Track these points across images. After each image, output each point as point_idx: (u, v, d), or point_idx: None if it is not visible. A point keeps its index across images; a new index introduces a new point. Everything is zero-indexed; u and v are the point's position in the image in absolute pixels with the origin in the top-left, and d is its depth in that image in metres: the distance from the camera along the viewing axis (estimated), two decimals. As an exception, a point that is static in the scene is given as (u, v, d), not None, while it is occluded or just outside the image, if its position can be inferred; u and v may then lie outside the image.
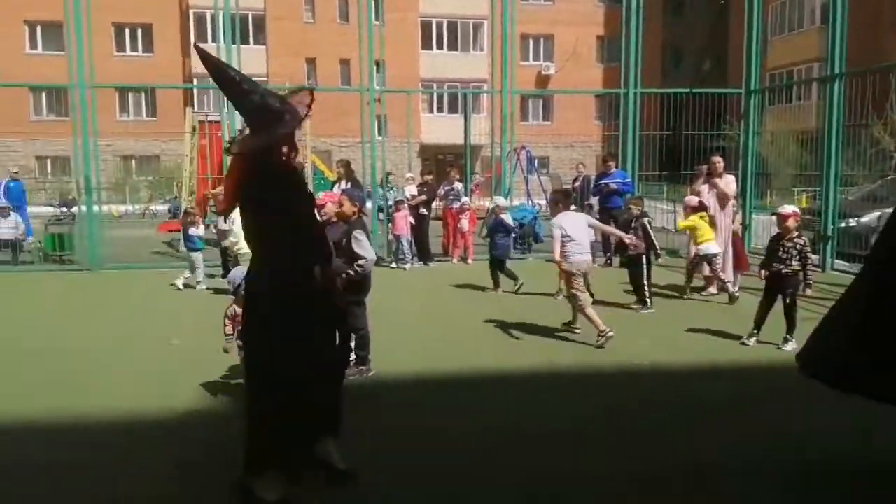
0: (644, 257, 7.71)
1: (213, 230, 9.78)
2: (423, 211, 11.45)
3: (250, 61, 28.08)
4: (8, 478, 3.66)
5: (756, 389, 5.16)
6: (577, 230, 6.46)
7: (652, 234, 7.79)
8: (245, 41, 31.73)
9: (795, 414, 4.55)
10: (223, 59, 11.08)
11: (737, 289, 8.60)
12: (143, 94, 32.73)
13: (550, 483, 3.59)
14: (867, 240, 10.76)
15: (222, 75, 3.21)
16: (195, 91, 30.34)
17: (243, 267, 6.31)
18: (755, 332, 6.27)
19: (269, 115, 3.09)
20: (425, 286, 9.61)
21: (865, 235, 10.81)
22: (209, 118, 15.15)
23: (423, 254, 11.33)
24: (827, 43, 10.44)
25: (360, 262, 4.96)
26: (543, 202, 16.05)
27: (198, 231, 9.32)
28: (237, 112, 3.25)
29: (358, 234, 5.05)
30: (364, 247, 5.01)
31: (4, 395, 4.86)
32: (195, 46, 3.39)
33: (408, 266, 10.87)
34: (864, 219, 11.01)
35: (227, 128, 11.57)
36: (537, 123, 33.11)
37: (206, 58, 3.21)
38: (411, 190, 11.67)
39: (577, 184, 15.05)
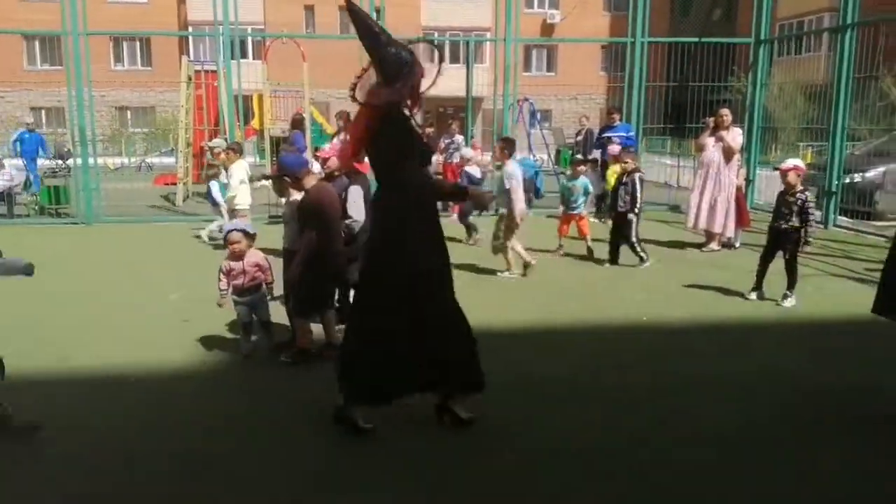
0: (630, 214, 7.56)
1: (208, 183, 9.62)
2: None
3: (247, 8, 27.42)
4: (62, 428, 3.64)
5: (751, 342, 5.15)
6: (521, 179, 6.92)
7: (639, 190, 7.53)
8: (241, -13, 31.06)
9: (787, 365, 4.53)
10: (219, 6, 10.89)
11: (738, 244, 8.56)
12: (137, 43, 32.11)
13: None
14: (871, 196, 10.64)
15: (365, 25, 3.39)
16: (191, 39, 29.75)
17: (241, 220, 6.27)
18: (757, 287, 6.21)
19: (403, 68, 3.30)
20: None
21: (870, 191, 10.68)
22: (205, 67, 14.85)
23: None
24: (840, -9, 10.11)
25: (347, 220, 4.87)
26: (545, 156, 15.88)
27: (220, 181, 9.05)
28: (374, 59, 3.34)
29: (354, 191, 4.94)
30: (355, 206, 4.91)
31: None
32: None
33: None
34: (870, 174, 10.86)
35: (223, 77, 11.33)
36: (541, 74, 32.51)
37: (353, 9, 3.40)
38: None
39: (579, 137, 14.81)
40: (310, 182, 4.57)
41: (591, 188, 8.38)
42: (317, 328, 4.78)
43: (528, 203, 12.05)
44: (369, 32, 3.36)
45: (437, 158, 11.48)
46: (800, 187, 5.93)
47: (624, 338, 5.33)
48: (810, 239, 5.93)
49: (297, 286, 4.56)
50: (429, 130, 11.68)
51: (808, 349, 5.03)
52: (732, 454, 3.44)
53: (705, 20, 18.63)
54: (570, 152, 17.86)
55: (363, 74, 3.41)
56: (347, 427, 3.55)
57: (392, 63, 3.30)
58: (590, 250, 7.99)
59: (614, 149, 9.59)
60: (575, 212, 8.21)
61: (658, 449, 3.48)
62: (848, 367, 4.66)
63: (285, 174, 4.68)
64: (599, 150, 11.49)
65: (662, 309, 5.99)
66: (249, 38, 27.87)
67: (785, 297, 6.03)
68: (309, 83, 13.72)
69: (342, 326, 5.00)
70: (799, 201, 5.87)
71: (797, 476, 3.24)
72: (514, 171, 6.94)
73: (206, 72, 14.46)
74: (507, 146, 7.16)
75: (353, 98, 3.35)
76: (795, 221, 5.87)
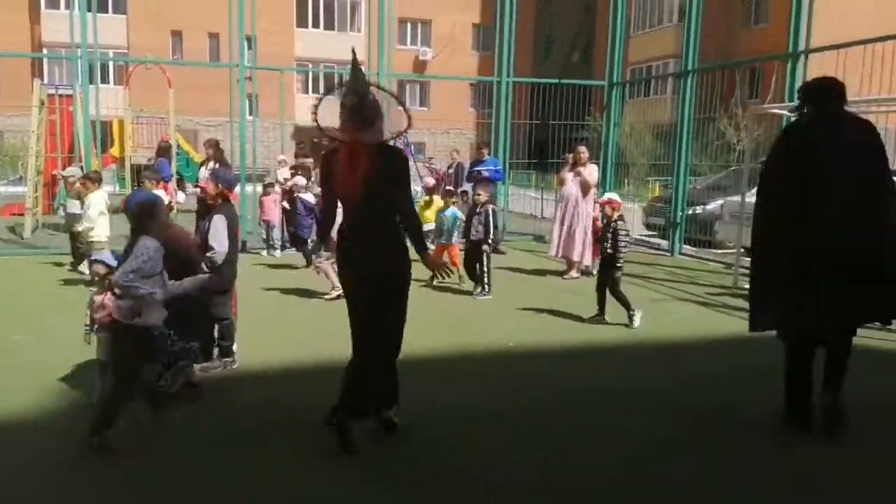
0: (483, 244, 7.85)
1: (62, 214, 9.05)
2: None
3: (108, 32, 26.11)
4: None
5: (615, 362, 5.54)
6: None
7: (492, 222, 7.93)
8: (103, 9, 29.50)
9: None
10: (76, 28, 10.33)
11: (595, 271, 9.16)
12: (-18, 62, 29.58)
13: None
14: (711, 226, 11.73)
15: (366, 81, 3.77)
16: (45, 62, 27.85)
17: (108, 251, 5.86)
18: (599, 313, 6.69)
19: (378, 112, 3.66)
20: (293, 273, 9.41)
21: (710, 222, 11.77)
22: (60, 91, 13.99)
23: (298, 240, 11.13)
24: (682, 40, 11.20)
25: (209, 253, 4.73)
26: (419, 188, 16.18)
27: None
28: (362, 105, 3.62)
29: (217, 220, 4.85)
30: (217, 236, 4.77)
31: None
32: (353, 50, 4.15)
33: (278, 253, 10.61)
34: (710, 206, 11.97)
35: (79, 102, 10.73)
36: (414, 109, 33.01)
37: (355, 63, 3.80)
38: (284, 173, 11.31)
39: (451, 170, 15.26)
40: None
41: (460, 218, 8.67)
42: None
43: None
44: (361, 76, 3.77)
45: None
46: (616, 216, 6.49)
47: (499, 363, 5.55)
48: (619, 262, 6.43)
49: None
50: (307, 161, 11.57)
51: (663, 368, 5.47)
52: (632, 467, 3.71)
53: (564, 63, 19.88)
54: (443, 184, 18.36)
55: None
56: (343, 439, 3.67)
57: (373, 107, 3.65)
58: (460, 278, 8.25)
59: (429, 182, 11.06)
60: (447, 241, 8.51)
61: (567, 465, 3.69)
62: (702, 384, 5.11)
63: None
64: (471, 184, 11.91)
65: (530, 335, 6.28)
66: (111, 63, 26.55)
67: (631, 318, 6.50)
68: (175, 110, 13.26)
69: (207, 364, 4.91)
70: (612, 227, 6.44)
71: (690, 478, 3.54)
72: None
73: (61, 96, 13.60)
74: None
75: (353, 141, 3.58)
76: (611, 248, 6.43)
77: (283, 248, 10.69)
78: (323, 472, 3.56)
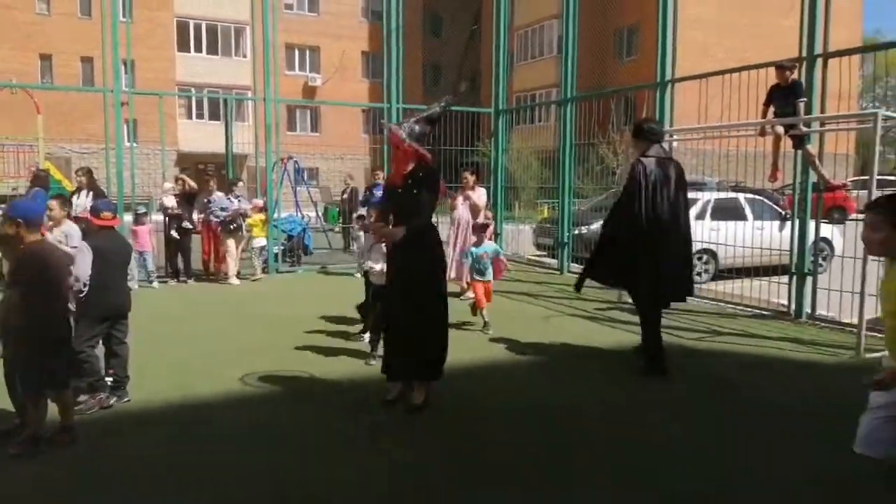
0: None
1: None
2: (187, 224, 10.73)
3: (-35, 52, 24.26)
4: None
5: (516, 376, 5.65)
6: None
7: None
8: (-42, 29, 27.42)
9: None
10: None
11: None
12: None
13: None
14: (594, 244, 12.28)
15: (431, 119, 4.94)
16: None
17: None
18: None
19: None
20: (177, 303, 9.01)
21: (593, 241, 12.31)
22: None
23: (185, 271, 10.74)
24: (561, 70, 11.77)
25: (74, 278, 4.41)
26: (313, 214, 15.99)
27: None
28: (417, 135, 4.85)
29: (83, 246, 4.61)
30: (79, 264, 4.49)
31: None
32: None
33: (156, 285, 10.16)
34: (593, 226, 12.51)
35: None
36: (305, 134, 32.86)
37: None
38: (169, 201, 10.83)
39: (345, 195, 15.17)
40: (32, 237, 4.00)
41: (501, 251, 8.14)
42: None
43: (298, 260, 12.16)
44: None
45: (196, 217, 11.01)
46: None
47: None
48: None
49: (26, 363, 3.96)
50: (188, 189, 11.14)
51: (565, 379, 5.65)
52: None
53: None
54: (337, 210, 18.21)
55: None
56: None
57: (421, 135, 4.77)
58: (485, 325, 7.54)
59: (257, 203, 11.36)
60: (485, 278, 7.59)
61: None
62: (595, 390, 5.31)
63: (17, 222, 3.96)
64: (365, 208, 11.89)
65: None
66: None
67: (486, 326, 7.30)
68: (44, 137, 12.44)
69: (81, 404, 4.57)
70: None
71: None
72: None
73: None
74: None
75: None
76: None
77: (159, 279, 10.42)
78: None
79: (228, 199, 10.82)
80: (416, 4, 33.31)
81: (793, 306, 8.02)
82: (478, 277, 7.55)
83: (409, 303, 4.77)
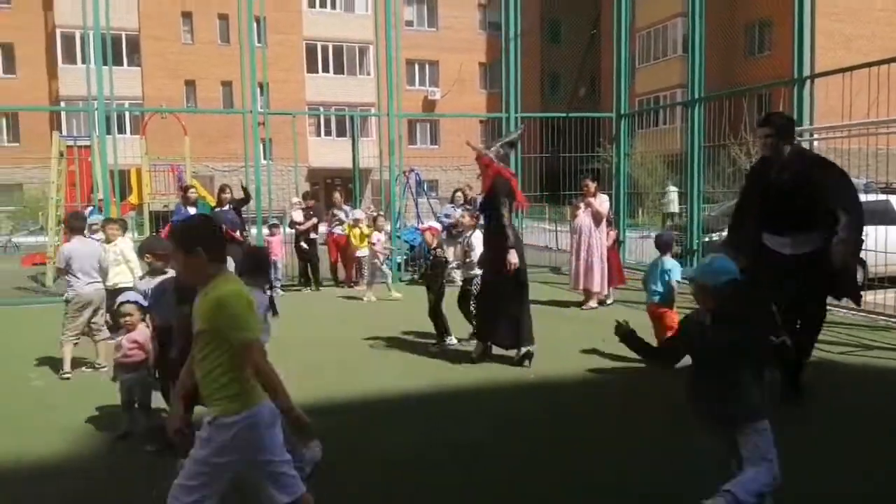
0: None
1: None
2: (313, 235, 11.35)
3: (123, 83, 26.83)
4: None
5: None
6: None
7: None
8: (118, 62, 30.33)
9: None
10: (93, 81, 10.65)
11: (611, 300, 9.15)
12: (3, 118, 30.51)
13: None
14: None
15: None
16: (63, 114, 28.57)
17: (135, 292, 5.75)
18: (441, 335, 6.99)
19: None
20: (312, 311, 9.45)
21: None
22: (77, 143, 14.33)
23: (314, 279, 11.30)
24: (687, 70, 11.32)
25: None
26: (436, 224, 16.29)
27: None
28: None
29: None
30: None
31: None
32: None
33: (280, 291, 10.78)
34: (725, 233, 11.93)
35: (97, 152, 10.99)
36: (425, 147, 33.61)
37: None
38: (298, 216, 11.48)
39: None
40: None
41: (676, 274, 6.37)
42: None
43: (418, 270, 12.45)
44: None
45: (323, 229, 11.58)
46: (434, 243, 6.90)
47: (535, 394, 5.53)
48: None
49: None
50: (311, 202, 11.77)
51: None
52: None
53: (572, 97, 20.11)
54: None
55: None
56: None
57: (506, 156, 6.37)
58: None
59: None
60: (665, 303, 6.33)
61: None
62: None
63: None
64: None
65: (552, 365, 6.26)
66: (127, 113, 27.19)
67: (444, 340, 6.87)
68: (191, 156, 13.53)
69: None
70: (433, 255, 6.84)
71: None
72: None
73: (79, 147, 13.93)
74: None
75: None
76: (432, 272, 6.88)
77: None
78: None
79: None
80: (535, 12, 33.25)
81: None
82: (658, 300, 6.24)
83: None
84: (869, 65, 7.83)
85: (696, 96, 11.04)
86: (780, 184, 4.70)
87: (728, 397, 3.05)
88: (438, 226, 7.27)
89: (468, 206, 8.97)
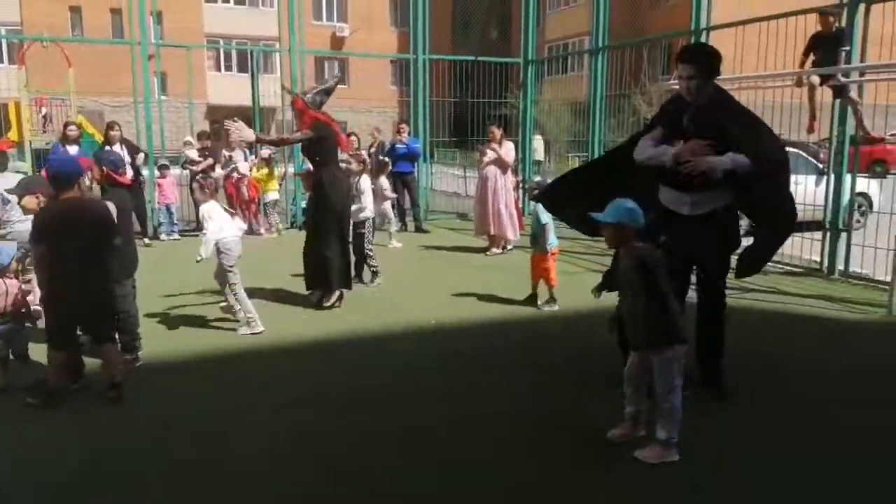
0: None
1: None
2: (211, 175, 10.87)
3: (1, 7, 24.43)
4: None
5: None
6: None
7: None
8: (-9, -17, 27.53)
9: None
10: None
11: (511, 247, 9.34)
12: None
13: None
14: (626, 199, 12.08)
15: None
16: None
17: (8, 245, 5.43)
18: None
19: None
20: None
21: (625, 195, 12.11)
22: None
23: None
24: (591, 18, 11.40)
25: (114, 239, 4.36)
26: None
27: None
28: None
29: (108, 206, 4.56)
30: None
31: None
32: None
33: (176, 236, 10.43)
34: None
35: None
36: (334, 86, 32.61)
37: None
38: (193, 154, 10.92)
39: (372, 149, 15.10)
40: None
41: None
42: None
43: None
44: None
45: (219, 171, 11.09)
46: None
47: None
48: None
49: (45, 312, 4.12)
50: (208, 143, 11.27)
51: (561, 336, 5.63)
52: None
53: (483, 40, 19.94)
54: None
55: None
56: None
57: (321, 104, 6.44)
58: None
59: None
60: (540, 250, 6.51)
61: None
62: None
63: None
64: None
65: (452, 311, 6.35)
66: (3, 41, 24.84)
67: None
68: (76, 90, 12.56)
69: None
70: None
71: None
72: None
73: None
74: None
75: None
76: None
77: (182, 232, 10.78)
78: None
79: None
80: (446, -51, 32.43)
81: (825, 263, 7.84)
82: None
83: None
84: (762, 19, 8.11)
85: (600, 45, 11.18)
86: (692, 132, 3.96)
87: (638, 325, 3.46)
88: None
89: (359, 152, 8.83)
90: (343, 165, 7.00)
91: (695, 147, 3.91)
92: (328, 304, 6.34)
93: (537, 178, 9.25)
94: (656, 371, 3.39)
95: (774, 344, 5.41)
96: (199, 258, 5.34)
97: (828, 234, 7.82)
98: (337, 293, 6.39)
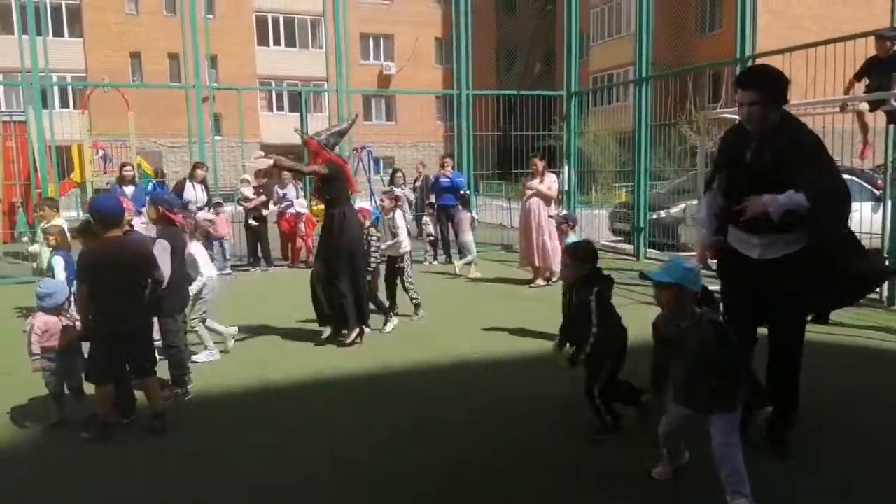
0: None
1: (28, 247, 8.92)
2: (264, 212, 11.17)
3: (64, 55, 25.81)
4: None
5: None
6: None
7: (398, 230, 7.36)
8: (58, 34, 29.15)
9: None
10: (27, 53, 10.18)
11: (556, 278, 9.23)
12: (-65, 91, 29.04)
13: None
14: (675, 230, 11.90)
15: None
16: (1, 88, 27.38)
17: (52, 280, 5.75)
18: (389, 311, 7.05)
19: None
20: (255, 291, 9.34)
21: (673, 226, 11.94)
22: (14, 118, 13.76)
23: (265, 258, 11.15)
24: (635, 49, 11.40)
25: (155, 275, 4.44)
26: (367, 206, 16.16)
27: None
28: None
29: (158, 245, 4.76)
30: (158, 261, 4.56)
31: None
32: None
33: (228, 271, 10.65)
34: (673, 210, 12.14)
35: (34, 128, 10.55)
36: (381, 123, 33.27)
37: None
38: (248, 192, 11.25)
39: (418, 183, 15.29)
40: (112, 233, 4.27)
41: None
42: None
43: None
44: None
45: (272, 208, 11.37)
46: (367, 224, 6.91)
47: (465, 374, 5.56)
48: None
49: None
50: (264, 181, 11.54)
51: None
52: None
53: (527, 74, 20.11)
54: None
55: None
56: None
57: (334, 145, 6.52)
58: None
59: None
60: None
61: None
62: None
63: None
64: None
65: (495, 345, 6.32)
66: (69, 87, 26.17)
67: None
68: (136, 132, 13.13)
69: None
70: (370, 239, 6.84)
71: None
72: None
73: (16, 122, 13.37)
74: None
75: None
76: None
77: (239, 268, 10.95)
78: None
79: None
80: (489, -13, 33.03)
81: (885, 294, 7.54)
82: None
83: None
84: (810, 45, 8.00)
85: (644, 75, 11.15)
86: (757, 167, 3.47)
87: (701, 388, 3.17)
88: (370, 207, 7.21)
89: (394, 187, 9.11)
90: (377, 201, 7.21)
91: (755, 207, 3.44)
92: (348, 341, 6.30)
93: (564, 212, 9.18)
94: (717, 426, 3.13)
95: (840, 376, 5.20)
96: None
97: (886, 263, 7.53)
98: (357, 329, 6.37)
